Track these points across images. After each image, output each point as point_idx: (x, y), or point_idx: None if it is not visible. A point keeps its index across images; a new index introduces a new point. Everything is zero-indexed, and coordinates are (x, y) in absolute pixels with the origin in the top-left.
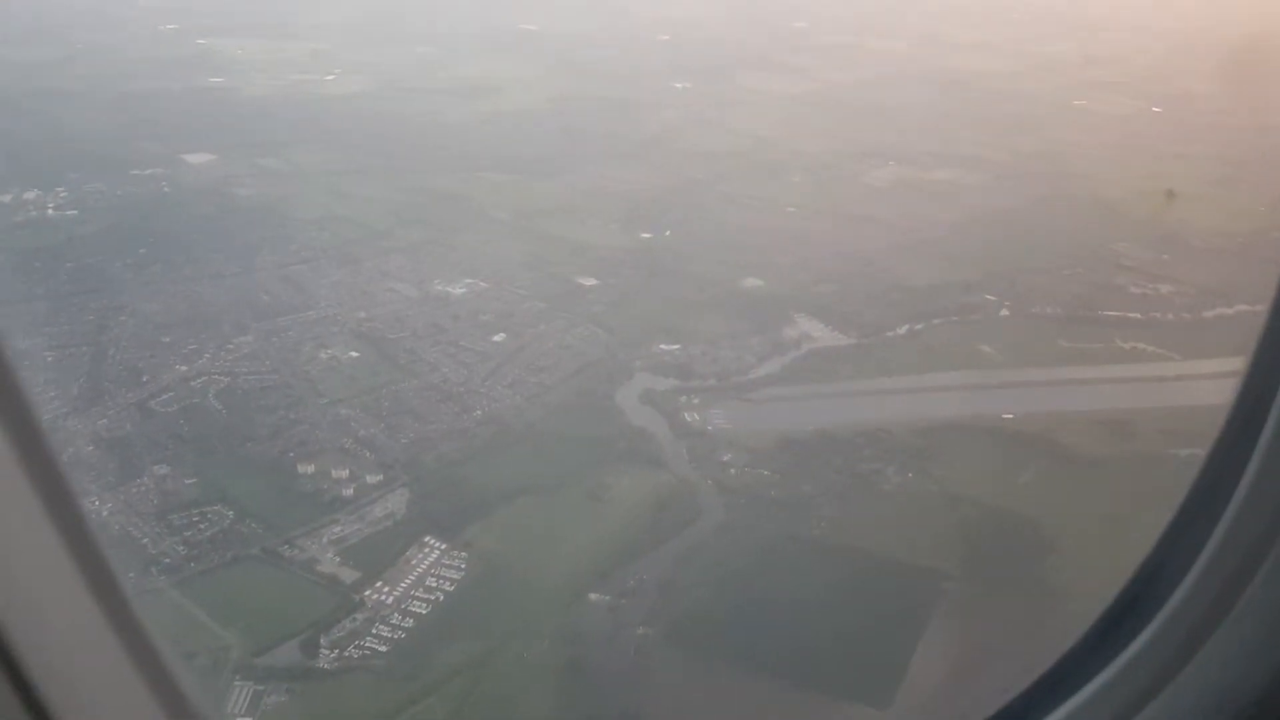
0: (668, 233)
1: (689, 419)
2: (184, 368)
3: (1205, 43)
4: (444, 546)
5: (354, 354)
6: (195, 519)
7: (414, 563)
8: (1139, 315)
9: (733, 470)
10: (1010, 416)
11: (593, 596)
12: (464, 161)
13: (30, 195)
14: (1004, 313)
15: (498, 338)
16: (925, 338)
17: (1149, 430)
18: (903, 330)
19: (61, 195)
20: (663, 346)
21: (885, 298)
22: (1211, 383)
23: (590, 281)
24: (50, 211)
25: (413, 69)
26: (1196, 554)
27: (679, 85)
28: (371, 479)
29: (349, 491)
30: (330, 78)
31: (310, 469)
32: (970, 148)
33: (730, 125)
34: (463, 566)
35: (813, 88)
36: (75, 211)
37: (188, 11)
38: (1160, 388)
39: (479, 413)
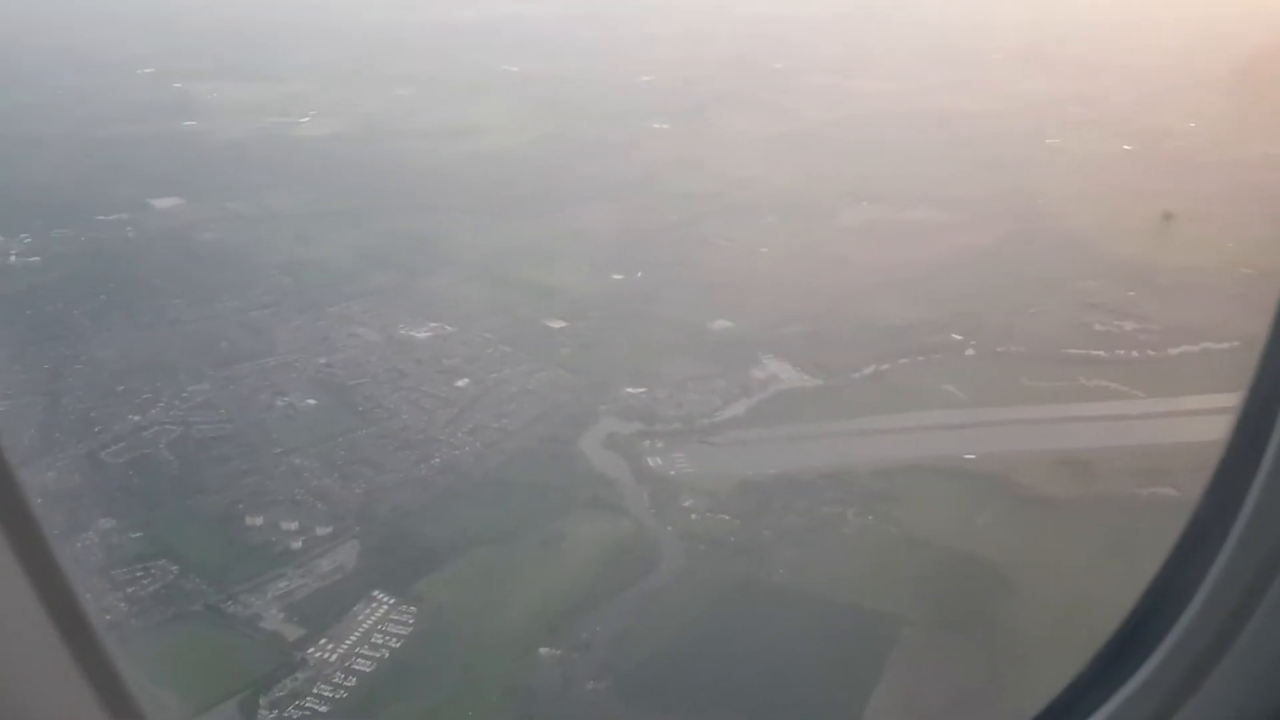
0: (640, 275)
1: (652, 464)
2: (137, 417)
3: (1177, 82)
4: (392, 601)
5: (311, 401)
6: (139, 574)
7: (361, 618)
8: (1104, 353)
9: (694, 515)
10: (972, 457)
11: (543, 651)
12: (437, 204)
13: None
14: (970, 352)
15: (461, 383)
16: (891, 378)
17: (1110, 470)
18: (869, 371)
19: (25, 241)
20: (629, 390)
21: (853, 338)
22: (1175, 421)
23: (559, 324)
24: (13, 259)
25: (391, 111)
26: (1198, 584)
27: (658, 126)
28: (322, 531)
29: (298, 544)
30: (306, 120)
31: (259, 521)
32: (944, 187)
33: (708, 166)
34: (411, 622)
35: (791, 128)
36: (38, 258)
37: (166, 55)
38: (1123, 426)
39: (437, 460)
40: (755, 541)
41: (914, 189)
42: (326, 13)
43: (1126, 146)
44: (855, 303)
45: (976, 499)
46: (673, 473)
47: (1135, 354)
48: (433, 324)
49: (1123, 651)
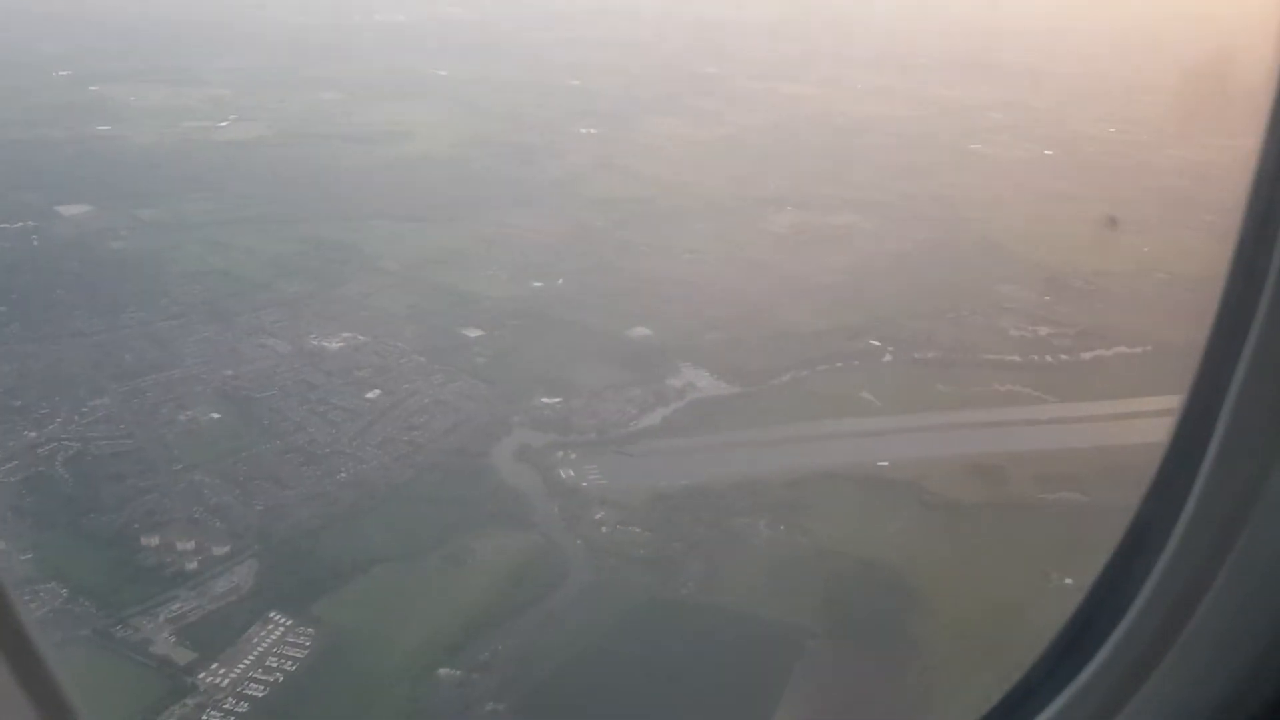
0: (560, 281)
1: (564, 475)
2: (33, 434)
3: (1102, 88)
4: (289, 622)
5: (215, 415)
6: (26, 599)
7: (255, 641)
8: (1017, 358)
9: (604, 529)
10: (885, 464)
11: (442, 672)
12: (356, 209)
13: None
14: (887, 358)
15: (371, 394)
16: (808, 385)
17: (1019, 475)
18: (787, 378)
19: None
20: (544, 400)
21: (772, 345)
22: (1084, 425)
23: (475, 333)
24: None
25: (316, 115)
26: (1141, 584)
27: (586, 130)
28: (219, 550)
29: (193, 565)
30: (225, 124)
31: (155, 541)
32: (869, 192)
33: (634, 170)
34: (308, 644)
35: (720, 132)
36: None
37: (86, 57)
38: (1034, 431)
39: (342, 475)
40: (665, 554)
41: (839, 194)
42: (255, 16)
43: (1047, 151)
44: (777, 308)
45: (887, 506)
46: (585, 484)
47: (1049, 359)
48: (346, 334)
49: (1068, 650)
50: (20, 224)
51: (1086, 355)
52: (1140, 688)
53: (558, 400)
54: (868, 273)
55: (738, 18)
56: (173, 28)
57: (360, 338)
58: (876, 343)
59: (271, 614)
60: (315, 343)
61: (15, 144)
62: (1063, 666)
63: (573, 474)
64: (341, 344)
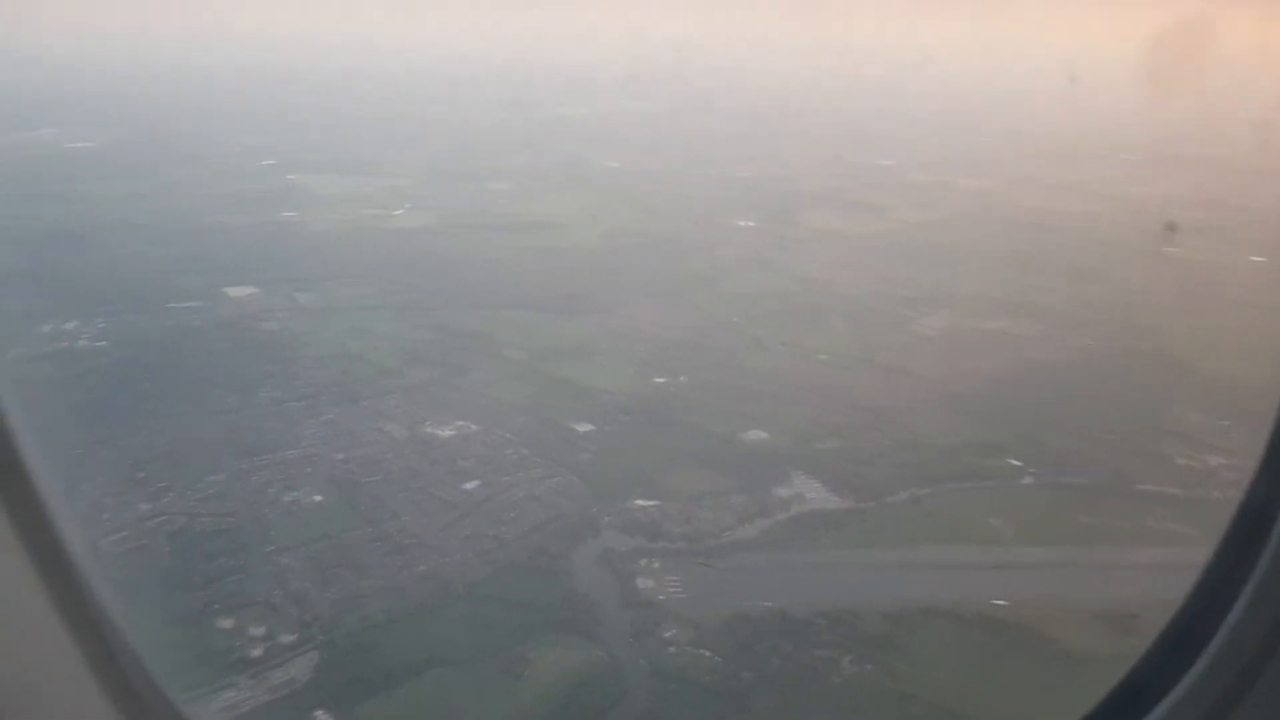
0: (683, 378)
1: (642, 586)
2: (146, 506)
3: None
4: None
5: (318, 498)
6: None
7: None
8: (1179, 491)
9: (672, 649)
10: (1003, 603)
11: None
12: (497, 298)
13: (69, 326)
14: (1026, 480)
15: (470, 485)
16: (929, 505)
17: (1157, 627)
18: (906, 496)
19: (99, 326)
20: (639, 502)
21: (895, 458)
22: None
23: (585, 428)
24: (82, 343)
25: (481, 205)
26: (1243, 586)
27: (744, 223)
28: (286, 639)
29: (259, 652)
30: (399, 213)
31: (229, 624)
32: (1034, 294)
33: (784, 265)
34: None
35: (883, 227)
36: (105, 343)
37: (286, 149)
38: (1186, 578)
39: (422, 568)
40: (731, 685)
41: (1004, 296)
42: (447, 111)
43: (1255, 258)
44: (908, 418)
45: (994, 652)
46: (662, 597)
47: (1217, 494)
48: (460, 422)
49: (1172, 653)
50: (188, 304)
51: None
52: (1248, 693)
53: (653, 504)
54: (1018, 383)
55: (939, 109)
56: (372, 121)
57: (472, 427)
58: (1016, 462)
59: (317, 713)
60: (429, 430)
61: (203, 229)
62: (1167, 669)
63: (652, 584)
64: (453, 432)
